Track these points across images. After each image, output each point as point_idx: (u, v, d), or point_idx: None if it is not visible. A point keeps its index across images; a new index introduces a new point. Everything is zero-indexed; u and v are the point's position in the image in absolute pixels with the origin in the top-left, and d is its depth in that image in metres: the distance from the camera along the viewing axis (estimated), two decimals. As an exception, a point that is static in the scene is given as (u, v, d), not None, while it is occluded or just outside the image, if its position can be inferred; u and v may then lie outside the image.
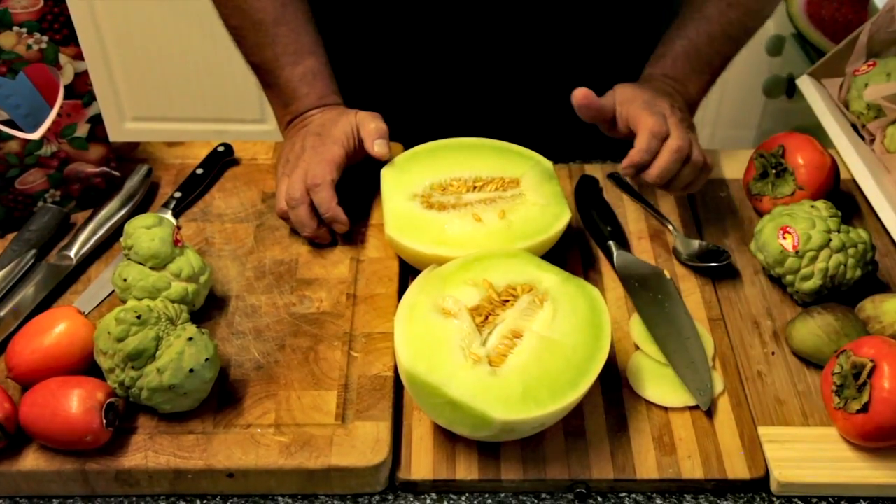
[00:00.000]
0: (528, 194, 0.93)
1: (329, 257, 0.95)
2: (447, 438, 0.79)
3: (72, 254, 0.93)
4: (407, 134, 1.04)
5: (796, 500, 0.77)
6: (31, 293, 0.89)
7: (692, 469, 0.77)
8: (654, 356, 0.85)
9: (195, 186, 1.02)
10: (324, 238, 0.95)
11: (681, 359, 0.84)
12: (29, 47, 0.89)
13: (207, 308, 0.89)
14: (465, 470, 0.77)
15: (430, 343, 0.75)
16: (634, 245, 0.98)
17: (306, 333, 0.87)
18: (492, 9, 1.06)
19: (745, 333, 0.88)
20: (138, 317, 0.76)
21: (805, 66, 1.28)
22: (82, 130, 0.96)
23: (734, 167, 1.07)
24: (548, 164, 0.96)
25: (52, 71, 0.92)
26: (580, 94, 0.94)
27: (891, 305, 0.84)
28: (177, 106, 2.39)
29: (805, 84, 1.14)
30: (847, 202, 1.03)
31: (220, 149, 1.07)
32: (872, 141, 1.04)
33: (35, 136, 0.93)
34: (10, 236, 0.96)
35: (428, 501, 0.77)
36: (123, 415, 0.78)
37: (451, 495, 0.77)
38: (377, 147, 0.95)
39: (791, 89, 1.74)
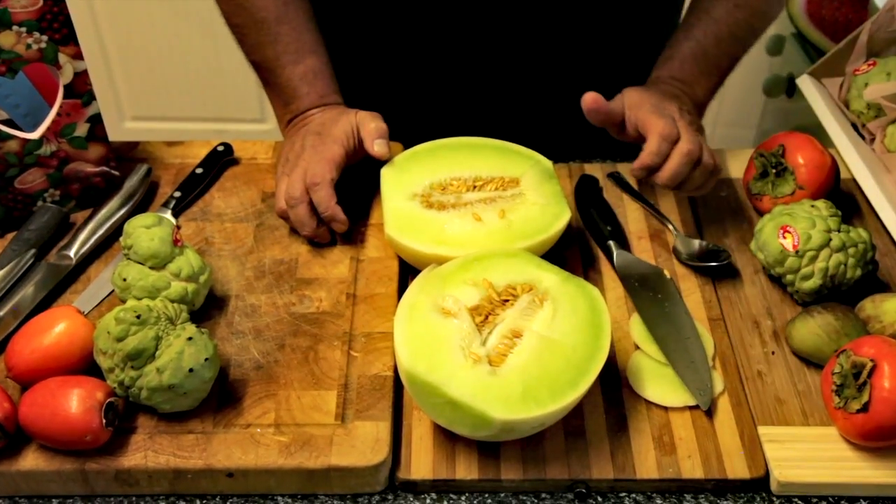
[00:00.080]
0: (527, 194, 0.93)
1: (329, 257, 0.95)
2: (447, 438, 0.79)
3: (71, 253, 0.93)
4: (407, 133, 1.04)
5: (796, 499, 0.77)
6: (31, 293, 0.89)
7: (692, 469, 0.77)
8: (654, 356, 0.85)
9: (195, 186, 1.02)
10: (323, 237, 0.95)
11: (681, 358, 0.84)
12: (28, 47, 0.89)
13: (207, 308, 0.89)
14: (465, 470, 0.77)
15: (430, 343, 0.75)
16: (634, 245, 0.98)
17: (306, 333, 0.87)
18: (492, 9, 1.06)
19: (745, 333, 0.88)
20: (138, 316, 0.76)
21: (805, 66, 1.28)
22: (82, 130, 0.96)
23: (734, 167, 1.07)
24: (548, 163, 0.96)
25: (51, 70, 0.92)
26: (589, 99, 0.94)
27: (891, 305, 0.84)
28: (176, 105, 2.39)
29: (805, 83, 1.14)
30: (847, 202, 1.03)
31: (220, 148, 1.06)
32: (872, 140, 1.04)
33: (34, 135, 0.93)
34: (10, 236, 0.96)
35: (428, 501, 0.77)
36: (123, 414, 0.78)
37: (451, 495, 0.77)
38: (377, 146, 0.95)
39: (791, 89, 1.74)
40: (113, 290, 0.89)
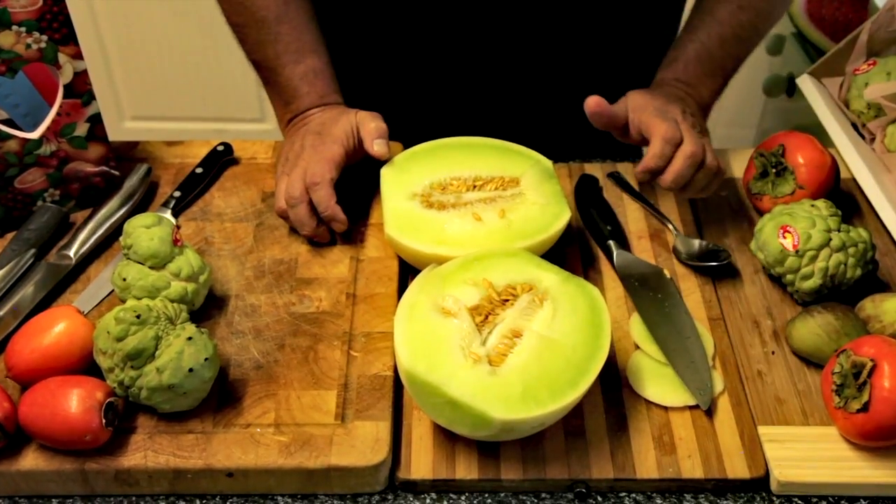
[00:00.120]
0: (527, 193, 0.92)
1: (328, 257, 0.95)
2: (447, 438, 0.79)
3: (71, 253, 0.93)
4: (407, 133, 1.04)
5: (796, 499, 0.77)
6: (31, 292, 0.89)
7: (692, 468, 0.77)
8: (654, 356, 0.85)
9: (194, 186, 1.02)
10: (323, 237, 0.95)
11: (681, 358, 0.84)
12: (28, 46, 0.89)
13: (207, 307, 0.89)
14: (465, 469, 0.77)
15: (430, 342, 0.75)
16: (634, 244, 0.98)
17: (306, 333, 0.87)
18: (492, 9, 1.06)
19: (745, 333, 0.88)
20: (138, 316, 0.76)
21: (805, 66, 1.28)
22: (81, 130, 0.96)
23: (734, 166, 1.07)
24: (547, 163, 0.96)
25: (51, 70, 0.92)
26: (592, 102, 0.94)
27: (891, 305, 0.84)
28: (176, 105, 2.39)
29: (805, 83, 1.14)
30: (847, 201, 1.03)
31: (220, 148, 1.06)
32: (873, 140, 1.04)
33: (34, 135, 0.93)
34: (10, 235, 0.96)
35: (428, 501, 0.77)
36: (123, 414, 0.78)
37: (451, 495, 0.77)
38: (377, 146, 0.95)
39: (791, 88, 1.74)
40: (113, 290, 0.89)
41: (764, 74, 1.82)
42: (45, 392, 0.75)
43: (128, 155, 1.07)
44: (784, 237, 0.88)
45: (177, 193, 1.00)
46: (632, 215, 1.01)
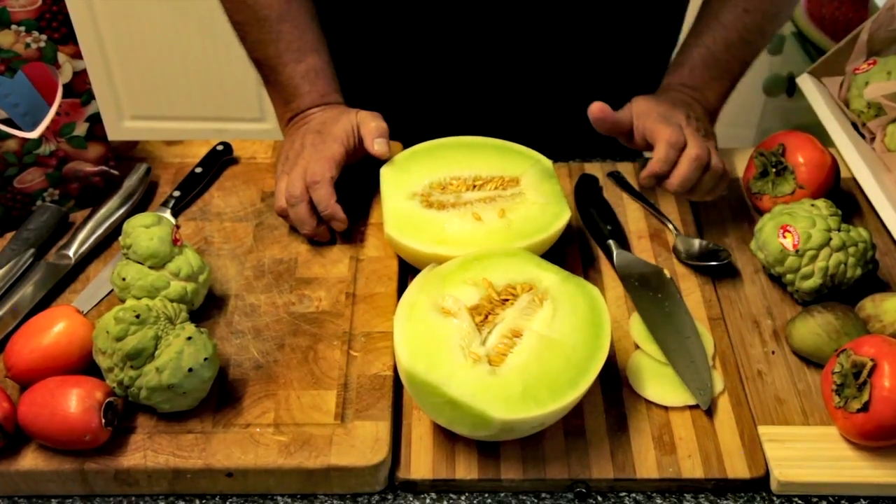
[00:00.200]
0: (527, 193, 0.92)
1: (328, 256, 0.95)
2: (447, 438, 0.78)
3: (70, 253, 0.93)
4: (407, 133, 1.04)
5: (796, 499, 0.77)
6: (30, 292, 0.89)
7: (692, 468, 0.77)
8: (654, 355, 0.85)
9: (194, 185, 1.02)
10: (323, 236, 0.95)
11: (681, 358, 0.84)
12: (27, 46, 0.89)
13: (206, 307, 0.89)
14: (465, 469, 0.77)
15: (430, 342, 0.75)
16: (634, 244, 0.98)
17: (305, 333, 0.87)
18: (492, 9, 1.06)
19: (745, 332, 0.88)
20: (137, 316, 0.76)
21: (805, 65, 1.28)
22: (81, 129, 0.96)
23: (734, 166, 1.07)
24: (547, 162, 0.96)
25: (50, 69, 0.92)
26: (596, 108, 0.94)
27: (891, 304, 0.84)
28: (175, 104, 2.39)
29: (805, 82, 1.14)
30: (847, 201, 1.03)
31: (219, 147, 1.06)
32: (873, 139, 1.04)
33: (33, 134, 0.93)
34: (9, 235, 0.96)
35: (427, 501, 0.77)
36: (122, 414, 0.78)
37: (451, 495, 0.77)
38: (377, 146, 0.95)
39: (791, 88, 1.74)
40: (112, 290, 0.89)
41: (764, 74, 1.82)
42: (45, 392, 0.75)
43: (127, 154, 1.07)
44: (784, 237, 0.88)
45: (176, 193, 1.00)
46: (632, 215, 1.01)
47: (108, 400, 0.75)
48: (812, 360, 0.84)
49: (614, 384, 0.83)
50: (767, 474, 0.77)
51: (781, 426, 0.80)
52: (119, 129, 2.40)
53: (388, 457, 0.77)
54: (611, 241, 0.95)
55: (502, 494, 0.77)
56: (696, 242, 0.95)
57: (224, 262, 0.94)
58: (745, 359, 0.85)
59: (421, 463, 0.77)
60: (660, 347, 0.85)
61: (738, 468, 0.77)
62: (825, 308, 0.84)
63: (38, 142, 0.93)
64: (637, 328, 0.88)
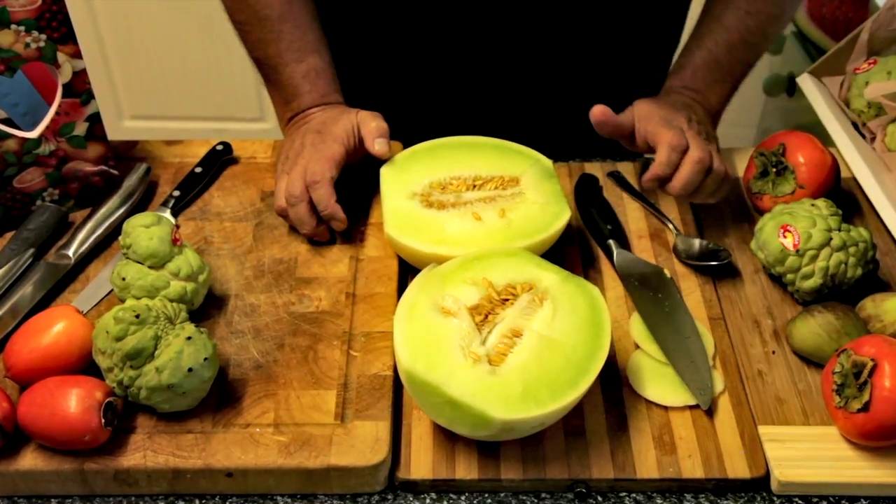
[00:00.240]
0: (527, 193, 0.92)
1: (328, 256, 0.95)
2: (447, 438, 0.78)
3: (70, 253, 0.93)
4: (407, 132, 1.04)
5: (797, 499, 0.77)
6: (30, 292, 0.89)
7: (692, 468, 0.76)
8: (655, 355, 0.85)
9: (194, 185, 1.02)
10: (323, 236, 0.95)
11: (681, 358, 0.83)
12: (27, 45, 0.89)
13: (206, 307, 0.89)
14: (465, 469, 0.77)
15: (430, 342, 0.75)
16: (634, 244, 0.97)
17: (305, 332, 0.87)
18: (493, 9, 1.06)
19: (745, 332, 0.88)
20: (137, 316, 0.75)
21: (805, 65, 1.27)
22: (81, 129, 0.96)
23: (735, 166, 1.07)
24: (547, 162, 0.96)
25: (50, 69, 0.92)
26: (598, 112, 0.94)
27: (891, 304, 0.84)
28: (175, 104, 2.39)
29: (805, 82, 1.14)
30: (848, 201, 1.03)
31: (219, 147, 1.06)
32: (873, 139, 1.04)
33: (33, 134, 0.93)
34: (9, 235, 0.96)
35: (427, 501, 0.77)
36: (122, 414, 0.78)
37: (451, 495, 0.77)
38: (377, 145, 0.95)
39: (791, 87, 1.74)
40: (112, 290, 0.89)
41: (764, 74, 1.82)
42: (44, 392, 0.75)
43: (127, 154, 1.07)
44: (784, 236, 0.88)
45: (176, 193, 1.00)
46: (632, 215, 1.01)
47: (107, 400, 0.75)
48: (812, 360, 0.84)
49: (614, 384, 0.83)
50: (768, 474, 0.77)
51: (782, 426, 0.80)
52: (119, 128, 2.40)
53: (387, 457, 0.77)
54: (611, 241, 0.95)
55: (502, 494, 0.77)
56: (697, 242, 0.95)
57: (224, 262, 0.94)
58: (746, 359, 0.85)
59: (421, 463, 0.77)
60: (660, 347, 0.85)
61: (738, 468, 0.77)
62: (825, 308, 0.84)
63: (37, 141, 0.93)
64: (637, 328, 0.88)
